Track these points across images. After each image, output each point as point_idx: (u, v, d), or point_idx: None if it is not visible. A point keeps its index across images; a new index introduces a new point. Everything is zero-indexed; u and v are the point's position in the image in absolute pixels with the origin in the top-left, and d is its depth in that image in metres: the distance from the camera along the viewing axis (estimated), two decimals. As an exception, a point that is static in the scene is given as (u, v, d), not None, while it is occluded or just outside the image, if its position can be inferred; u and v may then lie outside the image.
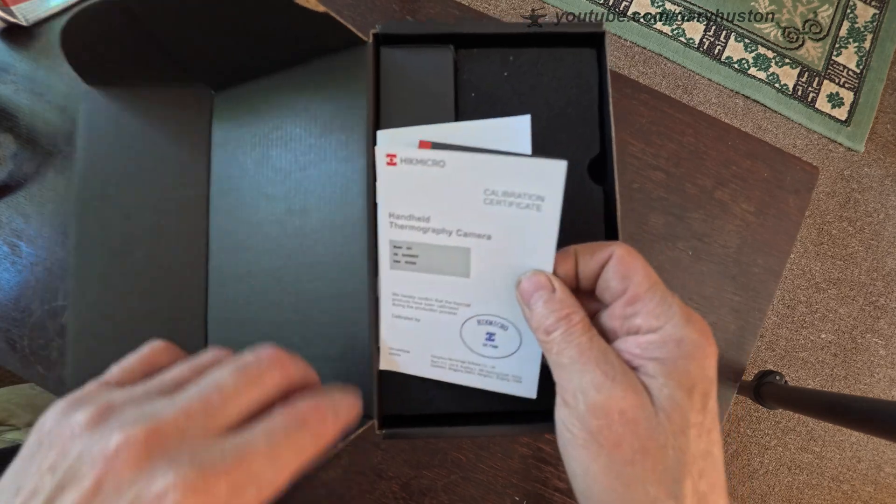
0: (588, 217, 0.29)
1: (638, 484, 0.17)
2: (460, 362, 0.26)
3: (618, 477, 0.18)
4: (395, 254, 0.24)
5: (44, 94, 0.40)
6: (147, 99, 0.34)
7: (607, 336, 0.21)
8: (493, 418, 0.28)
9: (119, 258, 0.32)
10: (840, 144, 1.18)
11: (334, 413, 0.17)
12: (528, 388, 0.26)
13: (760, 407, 1.06)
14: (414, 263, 0.24)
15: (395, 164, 0.23)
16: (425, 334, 0.26)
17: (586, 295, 0.23)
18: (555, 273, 0.22)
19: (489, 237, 0.23)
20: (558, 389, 0.20)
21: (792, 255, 1.14)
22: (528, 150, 0.28)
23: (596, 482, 0.18)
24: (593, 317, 0.22)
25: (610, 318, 0.21)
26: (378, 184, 0.23)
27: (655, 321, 0.19)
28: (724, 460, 0.19)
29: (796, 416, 1.08)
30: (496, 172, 0.21)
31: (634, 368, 0.19)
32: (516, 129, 0.28)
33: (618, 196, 0.27)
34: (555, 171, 0.20)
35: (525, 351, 0.25)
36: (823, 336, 1.12)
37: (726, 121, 0.98)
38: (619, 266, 0.20)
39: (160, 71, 0.33)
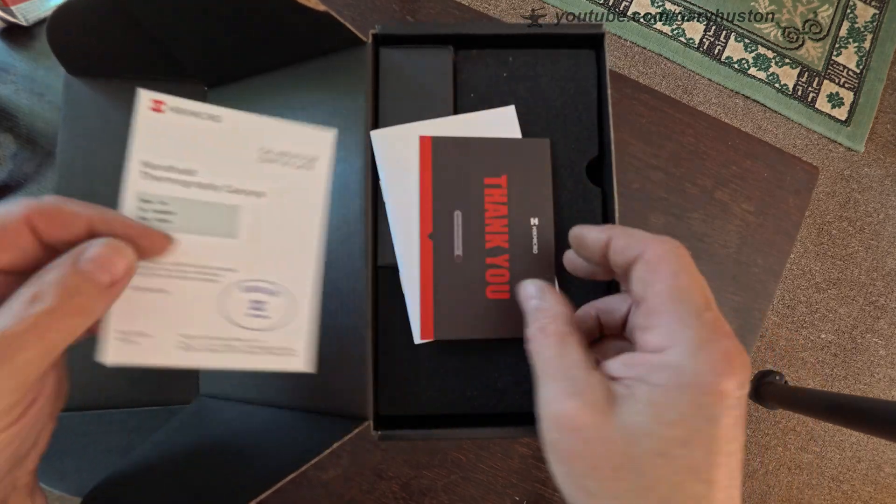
0: (586, 218, 0.29)
1: (602, 497, 0.17)
2: (219, 340, 0.22)
3: (579, 488, 0.17)
4: (143, 209, 0.21)
5: (44, 94, 0.40)
6: (135, 92, 0.34)
7: (632, 341, 0.20)
8: (490, 420, 0.28)
9: None
10: (840, 144, 1.18)
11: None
12: (303, 362, 0.22)
13: (760, 407, 1.06)
14: (168, 222, 0.21)
15: (161, 111, 0.21)
16: (174, 309, 0.21)
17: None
18: (583, 246, 0.22)
19: (261, 194, 0.22)
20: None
21: (792, 255, 1.14)
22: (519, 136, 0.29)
23: (564, 486, 0.18)
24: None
25: (632, 325, 0.20)
26: (134, 129, 0.21)
27: (662, 341, 0.17)
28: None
29: (796, 416, 1.08)
30: (274, 133, 0.22)
31: (620, 384, 0.18)
32: (504, 120, 0.28)
33: (616, 197, 0.27)
34: (327, 137, 0.23)
35: (300, 320, 0.22)
36: (823, 336, 1.12)
37: (726, 121, 0.98)
38: (644, 269, 0.19)
39: (151, 64, 0.33)
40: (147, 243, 0.19)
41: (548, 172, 0.28)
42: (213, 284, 0.21)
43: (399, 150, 0.28)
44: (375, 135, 0.28)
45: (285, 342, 0.22)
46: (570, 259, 0.25)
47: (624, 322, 0.22)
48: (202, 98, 0.34)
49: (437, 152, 0.28)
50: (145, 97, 0.21)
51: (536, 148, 0.28)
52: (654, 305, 0.18)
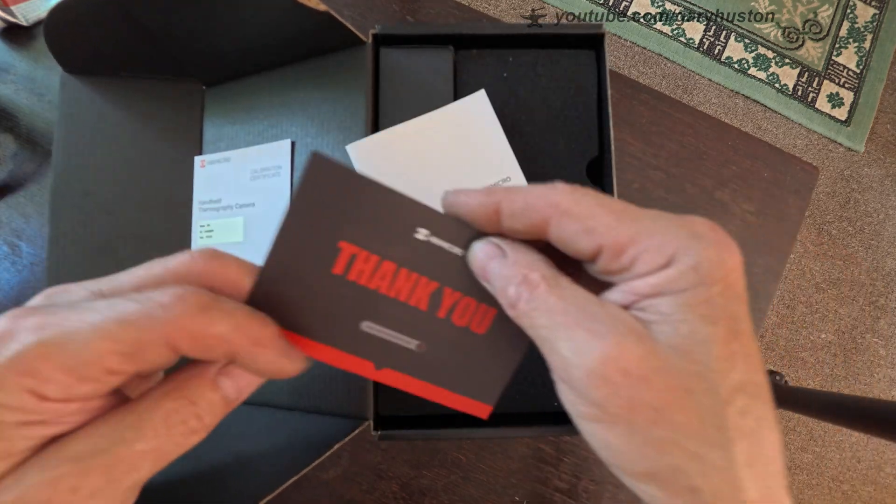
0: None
1: (671, 444, 0.14)
2: None
3: (645, 443, 0.15)
4: (200, 232, 0.33)
5: (44, 94, 0.40)
6: (132, 90, 0.34)
7: (596, 287, 0.17)
8: (490, 420, 0.28)
9: (102, 256, 0.32)
10: (840, 144, 1.18)
11: None
12: None
13: (760, 407, 1.06)
14: (210, 237, 0.33)
15: (203, 166, 0.33)
16: None
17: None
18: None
19: (254, 205, 0.31)
20: (550, 367, 0.16)
21: (792, 255, 1.14)
22: (496, 122, 0.28)
23: (622, 454, 0.15)
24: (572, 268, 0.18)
25: (598, 273, 0.17)
26: (194, 182, 0.33)
27: (661, 257, 0.15)
28: (769, 387, 0.16)
29: (796, 416, 1.08)
30: (255, 156, 0.31)
31: (635, 311, 0.16)
32: (477, 106, 0.28)
33: (616, 198, 0.27)
34: (284, 147, 0.31)
35: None
36: (823, 336, 1.12)
37: (726, 121, 0.98)
38: (571, 222, 0.16)
39: (148, 63, 0.33)
40: (289, 367, 0.17)
41: None
42: None
43: (381, 157, 0.28)
44: (351, 148, 0.28)
45: None
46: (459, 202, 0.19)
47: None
48: (200, 97, 0.34)
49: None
50: (198, 161, 0.33)
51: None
52: (619, 241, 0.16)
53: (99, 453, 0.13)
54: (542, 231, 0.17)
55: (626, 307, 0.16)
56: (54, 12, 0.28)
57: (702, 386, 0.15)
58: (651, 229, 0.16)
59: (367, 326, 0.18)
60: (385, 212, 0.17)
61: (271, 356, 0.16)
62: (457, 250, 0.18)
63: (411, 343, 0.19)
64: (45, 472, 0.13)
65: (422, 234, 0.18)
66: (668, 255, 0.15)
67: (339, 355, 0.19)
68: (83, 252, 0.32)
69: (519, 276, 0.16)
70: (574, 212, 0.16)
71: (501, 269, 0.17)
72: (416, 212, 0.18)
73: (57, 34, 0.30)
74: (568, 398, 0.16)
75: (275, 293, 0.17)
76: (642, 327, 0.15)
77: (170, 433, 0.14)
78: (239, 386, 0.16)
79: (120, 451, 0.14)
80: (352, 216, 0.17)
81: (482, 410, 0.21)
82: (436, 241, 0.18)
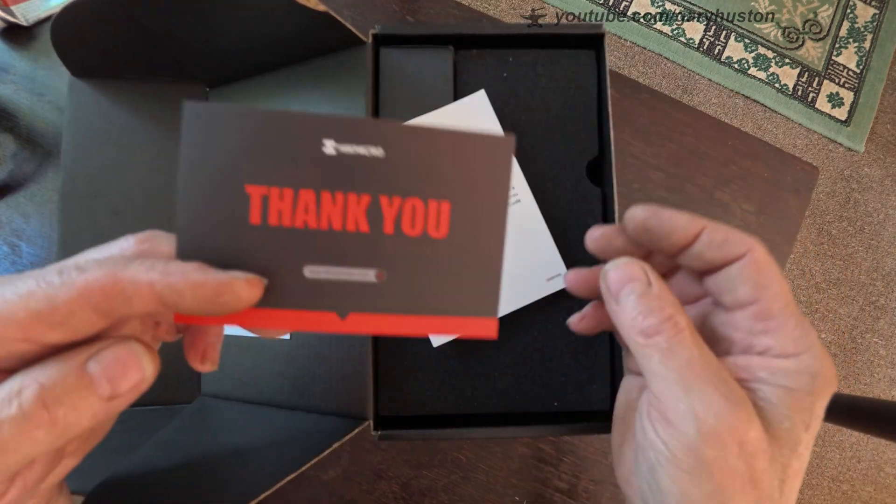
0: (585, 219, 0.29)
1: None
2: None
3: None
4: None
5: (44, 94, 0.40)
6: (137, 92, 0.34)
7: (714, 342, 0.19)
8: (490, 420, 0.28)
9: None
10: (840, 144, 1.18)
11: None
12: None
13: (760, 407, 1.06)
14: None
15: None
16: None
17: (666, 258, 0.20)
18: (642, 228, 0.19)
19: None
20: (653, 399, 0.18)
21: (792, 255, 1.14)
22: (496, 122, 0.29)
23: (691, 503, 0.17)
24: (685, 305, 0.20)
25: (727, 327, 0.19)
26: None
27: (793, 346, 0.17)
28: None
29: (796, 416, 1.08)
30: None
31: (748, 389, 0.17)
32: (477, 106, 0.28)
33: (616, 197, 0.27)
34: None
35: None
36: (823, 336, 1.12)
37: (726, 121, 0.98)
38: (754, 271, 0.18)
39: (153, 65, 0.33)
40: (229, 297, 0.14)
41: None
42: None
43: None
44: None
45: None
46: (602, 237, 0.21)
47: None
48: (203, 98, 0.34)
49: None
50: None
51: None
52: (772, 309, 0.17)
53: None
54: (719, 263, 0.18)
55: (739, 381, 0.17)
56: (59, 17, 0.28)
57: (779, 475, 0.17)
58: (798, 322, 0.17)
59: (312, 272, 0.16)
60: (280, 137, 0.15)
61: (200, 286, 0.14)
62: (375, 150, 0.16)
63: (368, 274, 0.16)
64: None
65: (329, 146, 0.15)
66: (798, 348, 0.17)
67: (295, 316, 0.16)
68: None
69: (665, 312, 0.17)
70: (762, 262, 0.18)
71: (644, 297, 0.18)
72: (313, 124, 0.15)
73: (63, 38, 0.30)
74: (667, 439, 0.17)
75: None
76: (753, 408, 0.17)
77: (1, 420, 0.13)
78: (111, 373, 0.14)
79: None
80: (247, 154, 0.15)
81: (486, 327, 0.17)
82: (347, 148, 0.15)
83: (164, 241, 0.16)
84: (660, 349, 0.17)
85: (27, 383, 0.13)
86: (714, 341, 0.19)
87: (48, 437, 0.13)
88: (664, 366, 0.17)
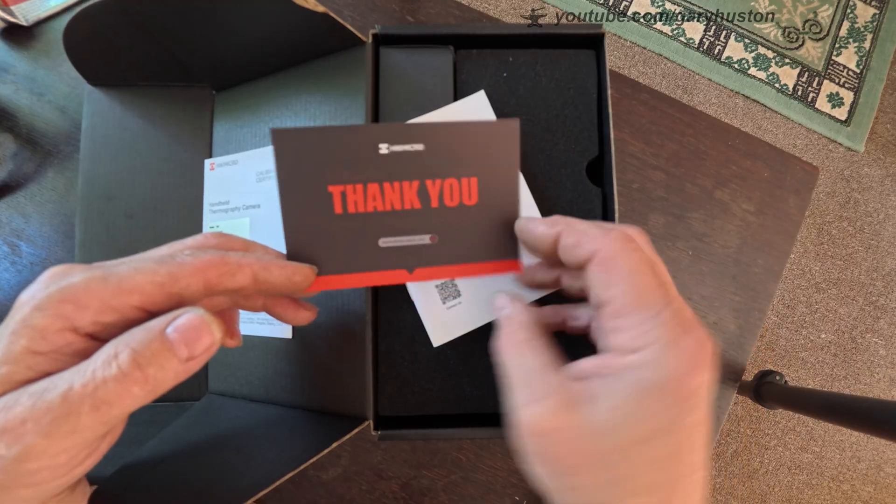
0: (586, 219, 0.29)
1: (586, 490, 0.17)
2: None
3: (561, 485, 0.18)
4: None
5: (44, 94, 0.40)
6: (148, 98, 0.35)
7: (599, 339, 0.20)
8: (490, 420, 0.28)
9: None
10: (840, 144, 1.18)
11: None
12: (284, 330, 0.30)
13: (760, 407, 1.06)
14: None
15: (213, 169, 0.33)
16: None
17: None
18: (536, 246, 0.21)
19: (259, 206, 0.31)
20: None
21: (792, 255, 1.14)
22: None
23: (547, 484, 0.18)
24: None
25: (597, 326, 0.19)
26: (205, 185, 0.33)
27: (634, 342, 0.17)
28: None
29: (796, 416, 1.08)
30: (260, 158, 0.31)
31: (594, 385, 0.18)
32: (477, 106, 0.28)
33: (616, 197, 0.27)
34: (269, 150, 0.29)
35: None
36: (823, 336, 1.12)
37: (726, 121, 0.98)
38: (602, 271, 0.18)
39: (161, 71, 0.34)
40: (300, 278, 0.20)
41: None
42: None
43: None
44: None
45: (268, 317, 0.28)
46: (527, 274, 0.24)
47: (587, 325, 0.22)
48: (210, 102, 0.35)
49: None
50: (208, 164, 0.33)
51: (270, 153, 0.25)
52: (618, 308, 0.18)
53: (46, 392, 0.15)
54: (580, 263, 0.19)
55: (585, 378, 0.18)
56: (69, 27, 0.29)
57: (599, 461, 0.17)
58: (646, 317, 0.17)
59: (385, 242, 0.22)
60: (347, 146, 0.20)
61: (282, 268, 0.19)
62: (417, 146, 0.21)
63: (425, 239, 0.22)
64: (33, 398, 0.15)
65: (384, 148, 0.21)
66: (640, 342, 0.17)
67: (377, 276, 0.22)
68: (108, 255, 0.33)
69: (504, 330, 0.20)
70: (609, 262, 0.18)
71: (506, 317, 0.21)
72: (370, 134, 0.21)
73: (76, 48, 0.31)
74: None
75: (305, 253, 0.21)
76: (571, 403, 0.18)
77: (105, 378, 0.15)
78: (187, 338, 0.17)
79: (71, 393, 0.15)
80: (325, 163, 0.20)
81: (514, 266, 0.23)
82: (397, 148, 0.21)
83: (237, 239, 0.21)
84: (500, 361, 0.20)
85: (121, 348, 0.16)
86: (599, 342, 0.20)
87: (142, 392, 0.16)
88: (503, 374, 0.20)
